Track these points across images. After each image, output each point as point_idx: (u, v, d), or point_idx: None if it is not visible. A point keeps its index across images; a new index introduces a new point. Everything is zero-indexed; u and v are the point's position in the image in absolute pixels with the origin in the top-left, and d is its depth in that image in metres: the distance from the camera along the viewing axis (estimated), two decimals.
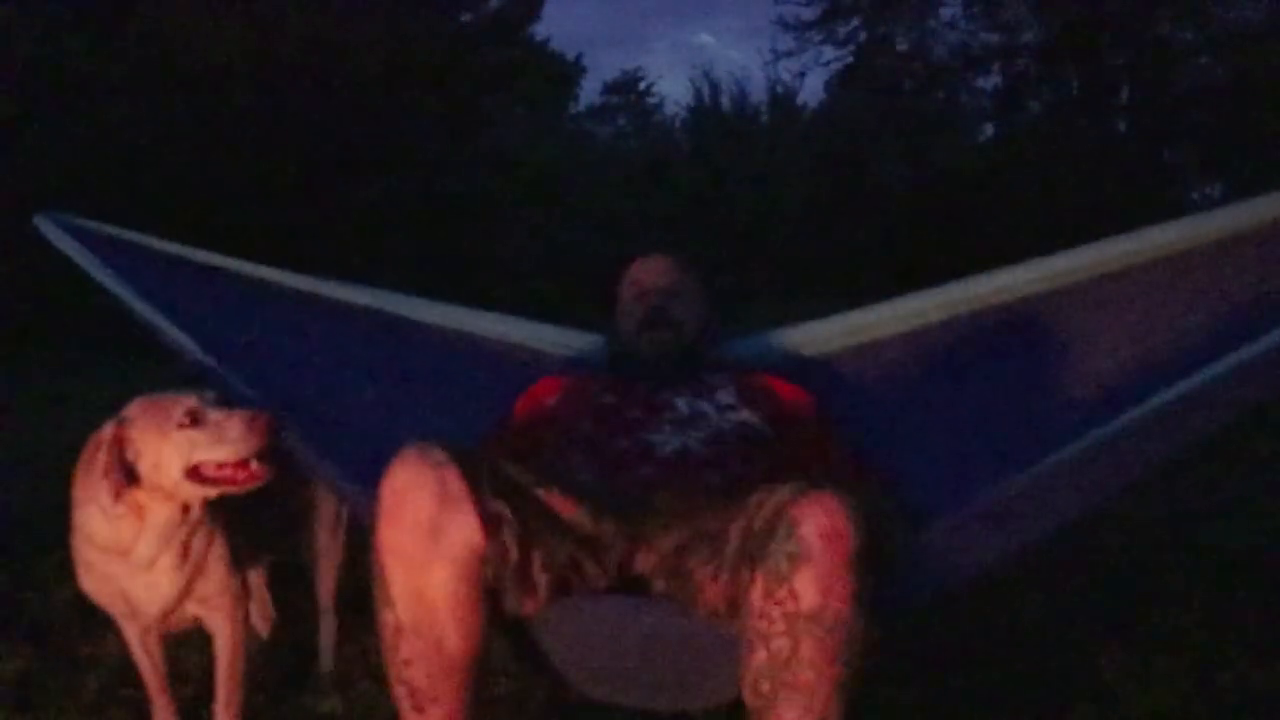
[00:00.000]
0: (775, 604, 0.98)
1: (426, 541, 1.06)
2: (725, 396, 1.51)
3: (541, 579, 1.14)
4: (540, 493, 1.18)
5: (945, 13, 11.49)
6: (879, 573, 1.01)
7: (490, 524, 1.09)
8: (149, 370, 1.90)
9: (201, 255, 1.87)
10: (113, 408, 1.35)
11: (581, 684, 1.24)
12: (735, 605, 1.06)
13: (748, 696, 1.02)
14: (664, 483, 1.33)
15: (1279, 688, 1.65)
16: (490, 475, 1.12)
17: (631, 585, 1.21)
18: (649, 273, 1.70)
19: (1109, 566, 2.29)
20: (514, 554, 1.11)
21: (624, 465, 1.37)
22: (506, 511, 1.11)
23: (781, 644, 0.98)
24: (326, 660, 1.83)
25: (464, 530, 1.07)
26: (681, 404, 1.49)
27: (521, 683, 1.69)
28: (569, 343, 1.92)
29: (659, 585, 1.19)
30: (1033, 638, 1.91)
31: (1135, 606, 2.02)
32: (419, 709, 1.10)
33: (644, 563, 1.22)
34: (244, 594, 1.56)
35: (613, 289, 1.76)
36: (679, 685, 1.19)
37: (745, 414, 1.48)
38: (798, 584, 0.97)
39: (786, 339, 1.83)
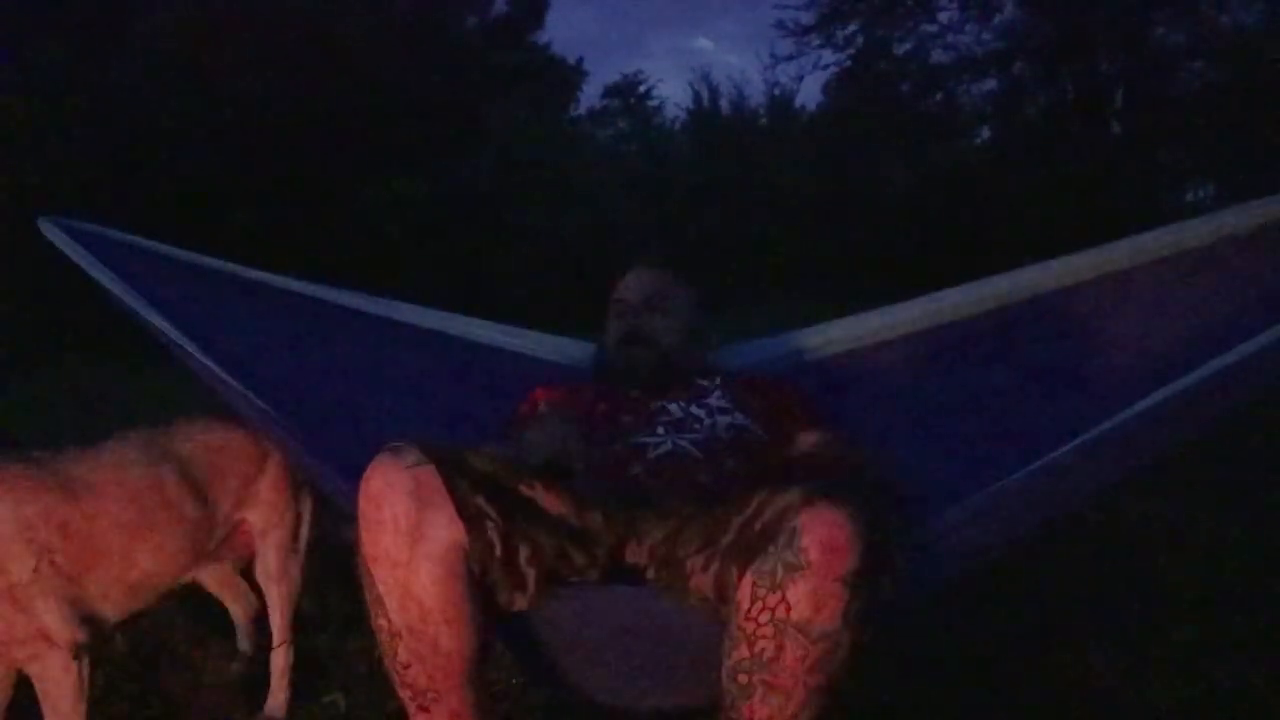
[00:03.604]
0: (765, 608, 0.97)
1: (408, 543, 1.06)
2: (718, 400, 1.52)
3: (529, 572, 1.12)
4: (522, 487, 1.16)
5: (943, 17, 11.53)
6: (876, 592, 0.99)
7: (471, 519, 1.08)
8: (157, 373, 1.90)
9: (204, 260, 1.89)
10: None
11: (569, 680, 1.23)
12: (724, 594, 1.04)
13: (725, 683, 1.01)
14: (655, 481, 1.34)
15: (1274, 685, 1.65)
16: (468, 471, 1.11)
17: (623, 576, 1.20)
18: (630, 289, 1.68)
19: (1103, 564, 2.29)
20: (498, 548, 1.09)
21: (616, 467, 1.38)
22: (487, 506, 1.10)
23: (766, 645, 0.98)
24: (277, 701, 1.71)
25: (444, 528, 1.07)
26: (674, 408, 1.49)
27: (523, 680, 1.70)
28: (564, 351, 1.93)
29: (649, 575, 1.19)
30: (1027, 636, 1.92)
31: (1130, 604, 2.03)
32: (424, 709, 1.11)
33: (635, 554, 1.21)
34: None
35: (610, 294, 1.76)
36: (660, 679, 1.18)
37: (738, 416, 1.49)
38: (791, 593, 0.96)
39: (782, 345, 1.84)
